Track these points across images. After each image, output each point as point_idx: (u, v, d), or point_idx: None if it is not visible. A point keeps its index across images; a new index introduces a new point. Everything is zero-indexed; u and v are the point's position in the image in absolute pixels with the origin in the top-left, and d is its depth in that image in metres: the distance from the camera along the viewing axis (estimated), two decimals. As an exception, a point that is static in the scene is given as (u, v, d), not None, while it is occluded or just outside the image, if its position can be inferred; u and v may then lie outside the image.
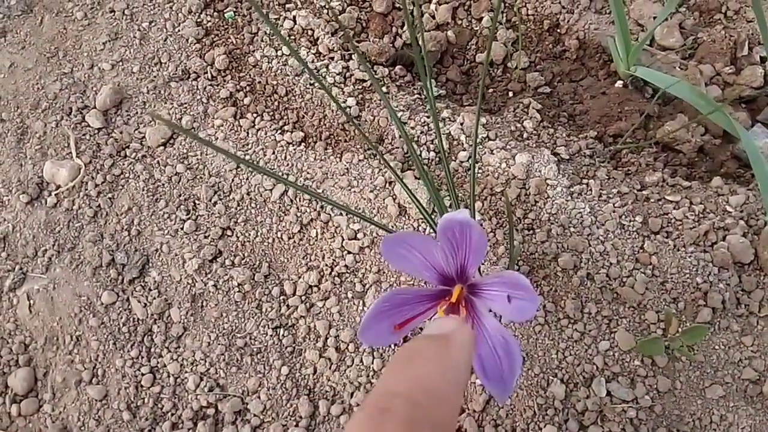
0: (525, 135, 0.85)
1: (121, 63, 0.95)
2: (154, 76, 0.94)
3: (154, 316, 0.79)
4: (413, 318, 0.45)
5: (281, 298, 0.79)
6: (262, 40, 0.96)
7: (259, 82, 0.92)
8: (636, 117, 0.85)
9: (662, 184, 0.80)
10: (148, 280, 0.81)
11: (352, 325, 0.76)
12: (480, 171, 0.81)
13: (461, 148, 0.83)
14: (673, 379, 0.69)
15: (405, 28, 0.96)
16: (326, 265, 0.79)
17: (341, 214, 0.81)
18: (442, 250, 0.44)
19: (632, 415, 0.68)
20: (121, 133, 0.90)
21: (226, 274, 0.80)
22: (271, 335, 0.77)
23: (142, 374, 0.77)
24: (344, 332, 0.75)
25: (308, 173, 0.85)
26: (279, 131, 0.88)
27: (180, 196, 0.85)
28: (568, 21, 0.93)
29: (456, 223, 0.41)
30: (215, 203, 0.84)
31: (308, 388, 0.74)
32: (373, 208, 0.81)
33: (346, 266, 0.78)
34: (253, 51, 0.95)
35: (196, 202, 0.85)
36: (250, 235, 0.82)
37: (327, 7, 0.96)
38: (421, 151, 0.83)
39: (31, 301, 0.82)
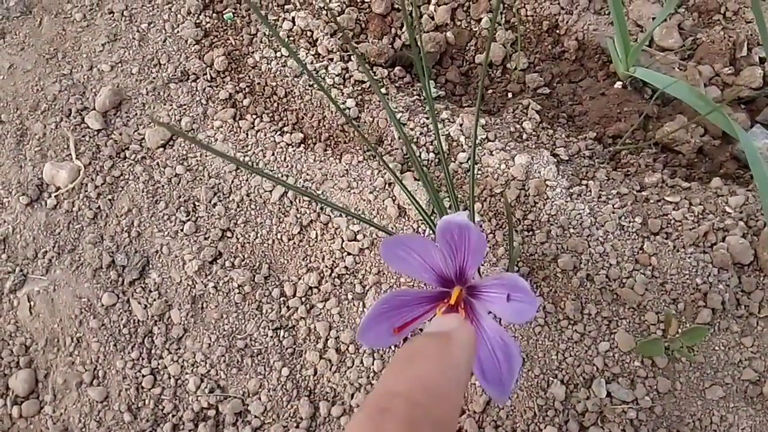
0: (524, 136, 0.85)
1: (120, 64, 0.95)
2: (154, 78, 0.94)
3: (154, 318, 0.79)
4: (413, 320, 0.46)
5: (281, 299, 0.79)
6: (261, 42, 0.96)
7: (259, 84, 0.92)
8: (635, 118, 0.85)
9: (662, 185, 0.80)
10: (149, 281, 0.81)
11: (352, 327, 0.76)
12: (479, 172, 0.81)
13: (460, 149, 0.83)
14: (673, 380, 0.69)
15: (404, 29, 0.96)
16: (326, 266, 0.79)
17: (341, 215, 0.81)
18: (441, 253, 0.44)
19: (632, 416, 0.68)
20: (120, 134, 0.90)
21: (226, 276, 0.80)
22: (272, 336, 0.77)
23: (143, 376, 0.77)
24: (344, 333, 0.75)
25: (308, 174, 0.85)
26: (278, 132, 0.88)
27: (180, 197, 0.85)
28: (567, 22, 0.93)
29: (455, 225, 0.41)
30: (215, 205, 0.84)
31: (309, 389, 0.75)
32: (373, 210, 0.81)
33: (346, 267, 0.78)
34: (252, 52, 0.95)
35: (196, 203, 0.85)
36: (250, 236, 0.82)
37: (326, 8, 0.97)
38: (420, 153, 0.83)
39: (32, 303, 0.82)
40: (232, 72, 0.94)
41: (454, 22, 0.97)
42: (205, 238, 0.82)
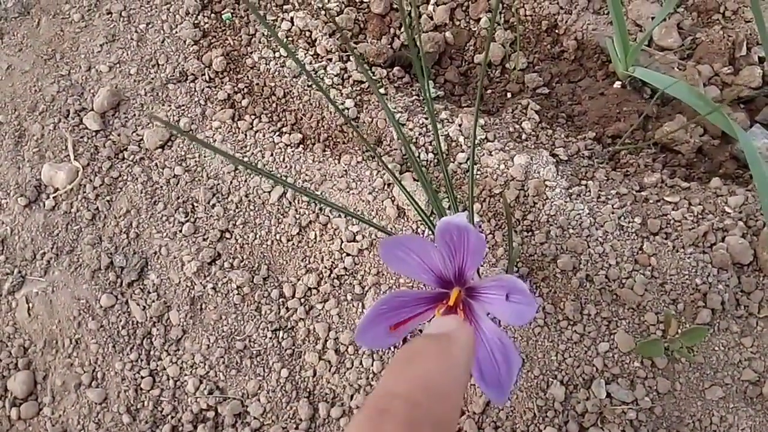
0: (523, 136, 0.85)
1: (118, 65, 0.95)
2: (152, 78, 0.94)
3: (153, 319, 0.79)
4: (410, 318, 0.45)
5: (280, 300, 0.78)
6: (259, 42, 0.96)
7: (257, 84, 0.92)
8: (634, 118, 0.85)
9: (661, 185, 0.80)
10: (147, 282, 0.81)
11: (351, 328, 0.76)
12: (478, 172, 0.81)
13: (460, 150, 0.83)
14: (672, 381, 0.69)
15: (403, 29, 0.96)
16: (325, 267, 0.79)
17: (340, 216, 0.81)
18: (440, 253, 0.44)
19: (632, 417, 0.68)
20: (118, 135, 0.90)
21: (225, 277, 0.80)
22: (271, 338, 0.77)
23: (142, 377, 0.77)
24: (344, 334, 0.75)
25: (307, 175, 0.85)
26: (277, 133, 0.88)
27: (178, 198, 0.85)
28: (566, 22, 0.93)
29: (453, 226, 0.41)
30: (213, 206, 0.84)
31: (308, 390, 0.74)
32: (372, 210, 0.81)
33: (345, 268, 0.78)
34: (251, 52, 0.95)
35: (195, 204, 0.85)
36: (248, 237, 0.82)
37: (324, 8, 0.96)
38: (419, 153, 0.83)
39: (30, 305, 0.82)
40: (231, 72, 0.94)
41: (453, 22, 0.97)
42: (204, 239, 0.82)
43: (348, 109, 0.87)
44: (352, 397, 0.73)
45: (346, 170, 0.84)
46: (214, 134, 0.89)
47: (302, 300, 0.78)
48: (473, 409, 0.70)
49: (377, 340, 0.46)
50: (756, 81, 0.86)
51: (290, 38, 0.95)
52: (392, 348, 0.74)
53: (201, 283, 0.80)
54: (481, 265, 0.75)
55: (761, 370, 0.69)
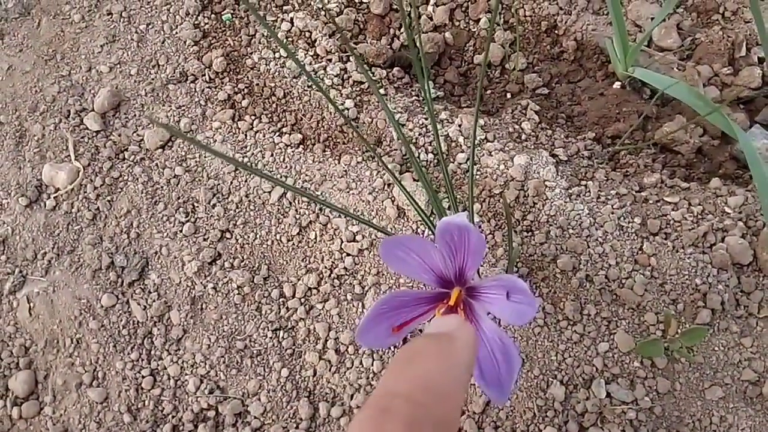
0: (523, 136, 0.85)
1: (118, 65, 0.95)
2: (152, 79, 0.94)
3: (153, 319, 0.79)
4: (411, 320, 0.46)
5: (281, 300, 0.79)
6: (259, 42, 0.96)
7: (257, 84, 0.92)
8: (634, 118, 0.85)
9: (661, 186, 0.80)
10: (148, 282, 0.81)
11: (351, 327, 0.76)
12: (478, 173, 0.81)
13: (459, 150, 0.83)
14: (672, 381, 0.69)
15: (402, 29, 0.96)
16: (325, 267, 0.79)
17: (340, 216, 0.81)
18: (440, 253, 0.44)
19: (632, 417, 0.68)
20: (119, 135, 0.90)
21: (226, 277, 0.80)
22: (271, 337, 0.77)
23: (143, 377, 0.77)
24: (344, 334, 0.75)
25: (307, 175, 0.85)
26: (277, 133, 0.88)
27: (179, 198, 0.85)
28: (566, 22, 0.93)
29: (454, 226, 0.41)
30: (214, 206, 0.84)
31: (308, 390, 0.74)
32: (372, 210, 0.81)
33: (345, 268, 0.78)
34: (251, 53, 0.95)
35: (195, 204, 0.85)
36: (249, 237, 0.82)
37: (324, 9, 0.97)
38: (419, 153, 0.83)
39: (31, 304, 0.82)
40: (231, 73, 0.94)
41: (453, 22, 0.97)
42: (204, 239, 0.82)
43: (348, 109, 0.88)
44: (352, 396, 0.73)
45: (346, 170, 0.84)
46: (214, 134, 0.89)
47: (302, 300, 0.78)
48: (473, 408, 0.70)
49: (378, 340, 0.46)
50: (755, 81, 0.86)
51: (290, 39, 0.95)
52: (392, 348, 0.75)
53: (201, 282, 0.80)
54: (481, 265, 0.75)
55: (761, 370, 0.69)
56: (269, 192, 0.84)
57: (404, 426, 0.29)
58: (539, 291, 0.74)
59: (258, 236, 0.82)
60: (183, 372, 0.77)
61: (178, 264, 0.81)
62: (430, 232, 0.75)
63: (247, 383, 0.75)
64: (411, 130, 0.85)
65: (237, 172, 0.86)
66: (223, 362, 0.76)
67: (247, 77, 0.93)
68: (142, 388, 0.76)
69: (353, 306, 0.77)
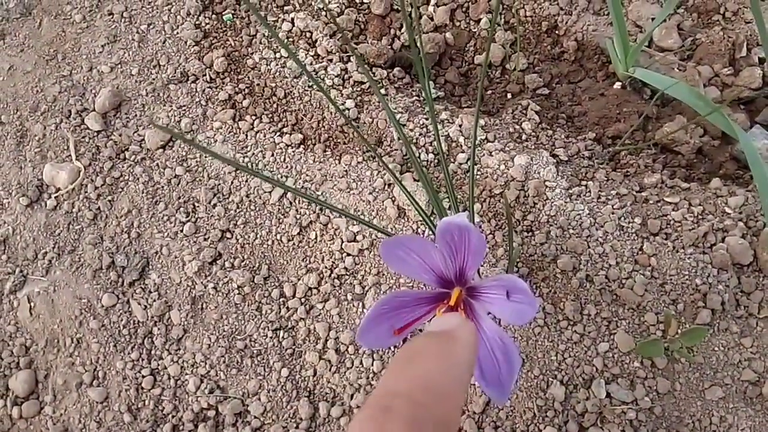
0: (524, 137, 0.85)
1: (119, 65, 0.95)
2: (153, 79, 0.94)
3: (154, 319, 0.79)
4: (412, 321, 0.46)
5: (281, 300, 0.79)
6: (260, 43, 0.96)
7: (258, 85, 0.92)
8: (635, 118, 0.85)
9: (661, 186, 0.80)
10: (148, 282, 0.81)
11: (351, 327, 0.76)
12: (479, 173, 0.81)
13: (460, 150, 0.83)
14: (672, 381, 0.69)
15: (403, 30, 0.96)
16: (326, 267, 0.79)
17: (340, 216, 0.81)
18: (440, 254, 0.44)
19: (632, 417, 0.68)
20: (120, 135, 0.90)
21: (226, 277, 0.80)
22: (271, 337, 0.77)
23: (143, 376, 0.77)
24: (344, 334, 0.76)
25: (307, 175, 0.85)
26: (278, 133, 0.88)
27: (179, 198, 0.85)
28: (567, 22, 0.93)
29: (455, 226, 0.41)
30: (214, 205, 0.84)
31: (308, 390, 0.75)
32: (372, 211, 0.81)
33: (345, 268, 0.78)
34: (252, 53, 0.95)
35: (196, 204, 0.85)
36: (249, 237, 0.82)
37: (325, 9, 0.97)
38: (419, 153, 0.83)
39: (32, 304, 0.82)
40: (232, 73, 0.94)
41: (453, 22, 0.97)
42: (205, 239, 0.82)
43: (348, 109, 0.88)
44: (352, 396, 0.73)
45: (346, 170, 0.84)
46: (215, 135, 0.89)
47: (303, 300, 0.78)
48: (473, 408, 0.70)
49: (378, 341, 0.46)
50: (756, 82, 0.86)
51: (291, 39, 0.95)
52: (392, 348, 0.75)
53: (202, 282, 0.80)
54: (482, 265, 0.75)
55: (761, 371, 0.69)
56: (270, 192, 0.84)
57: (405, 425, 0.29)
58: (539, 291, 0.74)
59: (258, 236, 0.82)
60: (183, 372, 0.77)
61: (178, 264, 0.81)
62: (430, 232, 0.75)
63: (248, 383, 0.75)
64: (411, 130, 0.85)
65: (238, 171, 0.86)
66: (224, 362, 0.76)
67: (248, 77, 0.93)
68: (142, 388, 0.76)
69: (353, 306, 0.77)
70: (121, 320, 0.80)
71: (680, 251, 0.73)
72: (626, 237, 0.75)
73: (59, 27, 1.00)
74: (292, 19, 0.96)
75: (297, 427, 0.73)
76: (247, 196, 0.84)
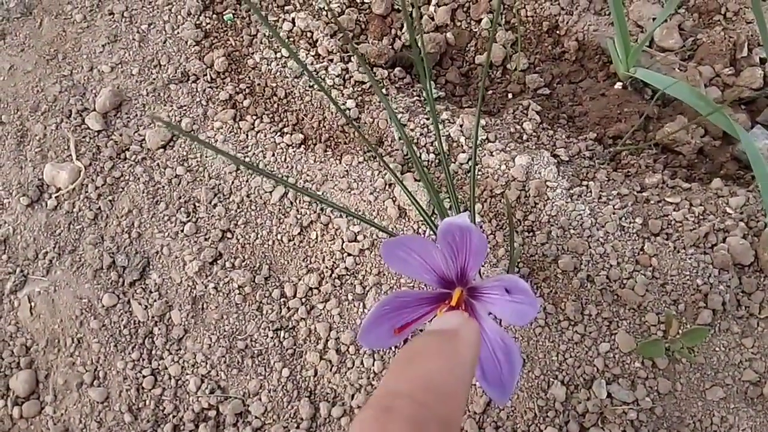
0: (524, 137, 0.85)
1: (120, 65, 0.95)
2: (154, 79, 0.94)
3: (154, 319, 0.79)
4: (413, 321, 0.46)
5: (281, 300, 0.79)
6: (261, 42, 0.96)
7: (259, 84, 0.92)
8: (635, 118, 0.85)
9: (662, 186, 0.80)
10: (149, 282, 0.81)
11: (352, 327, 0.76)
12: (480, 173, 0.81)
13: (461, 150, 0.83)
14: (673, 381, 0.69)
15: (404, 29, 0.96)
16: (326, 267, 0.79)
17: (341, 216, 0.81)
18: (442, 254, 0.44)
19: (633, 417, 0.68)
20: (120, 135, 0.90)
21: (227, 277, 0.80)
22: (272, 337, 0.77)
23: (144, 376, 0.77)
24: (345, 334, 0.75)
25: (308, 175, 0.85)
26: (278, 133, 0.88)
27: (180, 198, 0.85)
28: (567, 22, 0.93)
29: (456, 227, 0.41)
30: (215, 205, 0.84)
31: (309, 390, 0.75)
32: (373, 210, 0.81)
33: (346, 268, 0.78)
34: (253, 53, 0.95)
35: (196, 204, 0.85)
36: (250, 237, 0.82)
37: (326, 9, 0.97)
38: (420, 153, 0.83)
39: (32, 304, 0.82)
40: (232, 73, 0.94)
41: (454, 22, 0.97)
42: (206, 239, 0.82)
43: (349, 109, 0.88)
44: (353, 396, 0.73)
45: (347, 170, 0.84)
46: (215, 134, 0.89)
47: (303, 300, 0.78)
48: (474, 408, 0.70)
49: (379, 341, 0.46)
50: (757, 82, 0.86)
51: (292, 39, 0.95)
52: (393, 348, 0.75)
53: (202, 282, 0.80)
54: (483, 266, 0.75)
55: (762, 371, 0.69)
56: (270, 192, 0.84)
57: (407, 425, 0.29)
58: (540, 291, 0.74)
59: (259, 236, 0.82)
60: (184, 372, 0.77)
61: (179, 264, 0.81)
62: (431, 232, 0.75)
63: (248, 383, 0.75)
64: (412, 130, 0.85)
65: (238, 171, 0.86)
66: (224, 362, 0.76)
67: (249, 77, 0.93)
68: (143, 388, 0.76)
69: (354, 306, 0.77)
70: (122, 320, 0.80)
71: (681, 251, 0.73)
72: (627, 237, 0.75)
73: (60, 27, 1.00)
74: (293, 18, 0.96)
75: (298, 428, 0.73)
76: (248, 196, 0.84)
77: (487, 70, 0.91)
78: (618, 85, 0.89)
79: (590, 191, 0.79)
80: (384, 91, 0.90)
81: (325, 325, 0.76)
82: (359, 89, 0.90)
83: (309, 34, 0.95)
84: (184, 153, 0.88)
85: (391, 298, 0.45)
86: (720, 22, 0.92)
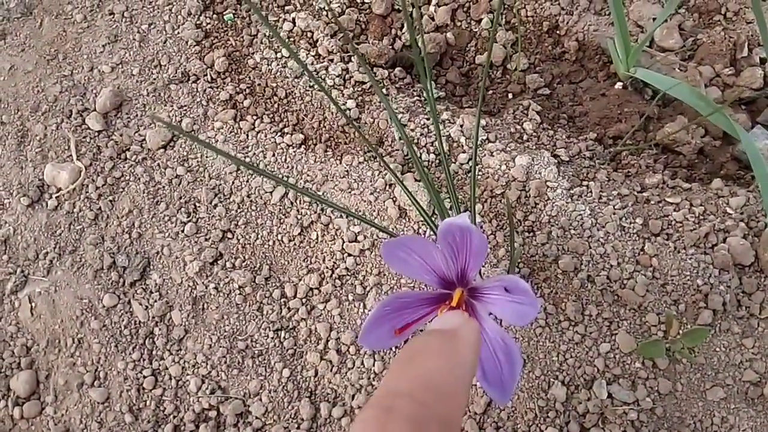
0: (525, 137, 0.85)
1: (120, 65, 0.95)
2: (154, 79, 0.94)
3: (155, 319, 0.79)
4: (414, 322, 0.46)
5: (282, 300, 0.79)
6: (261, 42, 0.96)
7: (259, 85, 0.92)
8: (636, 119, 0.85)
9: (662, 186, 0.80)
10: (149, 282, 0.81)
11: (353, 328, 0.76)
12: (480, 173, 0.81)
13: (461, 150, 0.83)
14: (674, 381, 0.69)
15: (404, 29, 0.96)
16: (327, 267, 0.79)
17: (342, 216, 0.81)
18: (442, 254, 0.44)
19: (633, 417, 0.68)
20: (121, 135, 0.90)
21: (227, 277, 0.80)
22: (272, 338, 0.77)
23: (144, 377, 0.77)
24: (345, 334, 0.76)
25: (308, 175, 0.85)
26: (279, 133, 0.88)
27: (180, 198, 0.85)
28: (568, 22, 0.93)
29: (456, 228, 0.41)
30: (216, 206, 0.84)
31: (309, 390, 0.75)
32: (374, 211, 0.81)
33: (346, 269, 0.78)
34: (253, 53, 0.95)
35: (197, 204, 0.85)
36: (250, 237, 0.82)
37: (326, 9, 0.97)
38: (421, 153, 0.83)
39: (33, 304, 0.82)
40: (233, 73, 0.94)
41: (455, 22, 0.97)
42: (206, 239, 0.82)
43: (350, 109, 0.88)
44: (353, 397, 0.73)
45: (347, 171, 0.84)
46: (216, 135, 0.89)
47: (304, 300, 0.78)
48: (475, 409, 0.70)
49: (380, 342, 0.46)
50: (757, 82, 0.86)
51: (292, 39, 0.95)
52: (394, 348, 0.75)
53: (203, 283, 0.80)
54: (483, 266, 0.75)
55: (762, 371, 0.69)
56: (271, 192, 0.84)
57: (408, 425, 0.29)
58: (541, 291, 0.74)
59: (259, 236, 0.82)
60: (184, 372, 0.77)
61: (179, 264, 0.81)
62: (431, 233, 0.75)
63: (249, 383, 0.75)
64: (413, 130, 0.85)
65: (239, 172, 0.86)
66: (225, 362, 0.76)
67: (249, 77, 0.93)
68: (143, 388, 0.76)
69: (354, 306, 0.77)
70: (122, 320, 0.80)
71: (681, 252, 0.73)
72: (627, 237, 0.75)
73: (60, 27, 1.00)
74: (293, 18, 0.96)
75: (298, 428, 0.73)
76: (248, 196, 0.84)
77: (487, 70, 0.91)
78: (618, 85, 0.89)
79: (590, 191, 0.79)
80: (384, 91, 0.90)
81: (325, 326, 0.76)
82: (359, 89, 0.90)
83: (309, 34, 0.95)
84: (185, 153, 0.88)
85: (391, 298, 0.45)
86: (720, 22, 0.92)
